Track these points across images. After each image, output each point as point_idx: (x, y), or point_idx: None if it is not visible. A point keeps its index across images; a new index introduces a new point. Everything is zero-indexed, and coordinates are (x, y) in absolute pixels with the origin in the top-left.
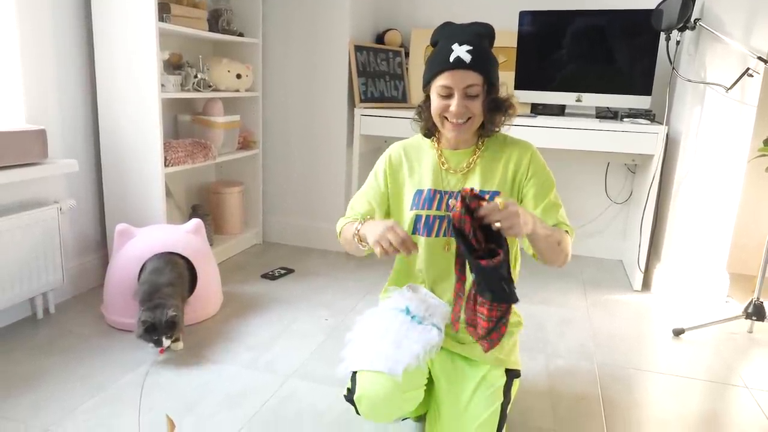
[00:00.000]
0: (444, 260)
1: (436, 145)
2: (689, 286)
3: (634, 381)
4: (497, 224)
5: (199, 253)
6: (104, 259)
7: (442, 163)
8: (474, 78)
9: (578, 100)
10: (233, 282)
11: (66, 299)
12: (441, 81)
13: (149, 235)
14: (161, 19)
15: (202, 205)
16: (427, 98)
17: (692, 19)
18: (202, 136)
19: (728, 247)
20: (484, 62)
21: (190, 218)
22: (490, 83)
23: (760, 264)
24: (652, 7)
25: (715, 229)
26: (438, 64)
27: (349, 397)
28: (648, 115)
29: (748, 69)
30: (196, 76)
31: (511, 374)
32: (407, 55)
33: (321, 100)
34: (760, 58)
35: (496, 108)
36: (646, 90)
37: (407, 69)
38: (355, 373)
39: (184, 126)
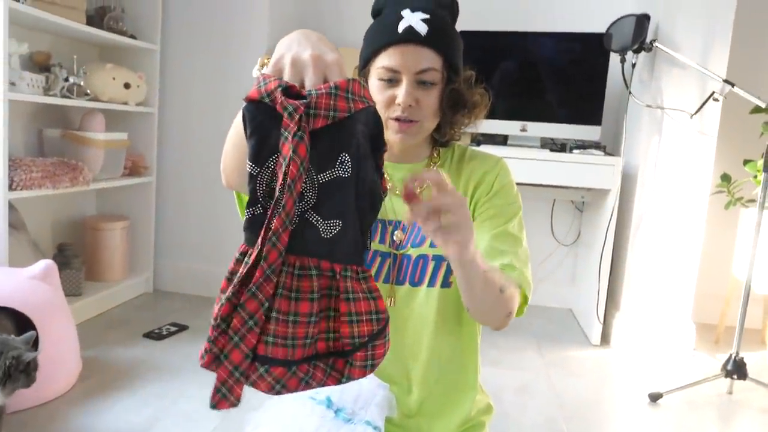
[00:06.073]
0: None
1: None
2: (653, 339)
3: None
4: (448, 219)
5: (44, 307)
6: None
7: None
8: (430, 59)
9: (523, 130)
10: (104, 343)
11: None
12: (384, 60)
13: None
14: None
15: (72, 244)
16: None
17: (648, 40)
18: (76, 155)
19: (693, 294)
20: (445, 37)
21: (54, 260)
22: (452, 68)
23: (720, 311)
24: (602, 30)
25: (678, 274)
26: (381, 36)
27: None
28: (598, 147)
29: (713, 93)
30: (66, 80)
31: None
32: None
33: (230, 121)
34: (726, 81)
35: (458, 104)
36: (595, 120)
37: None
38: None
39: (51, 143)
